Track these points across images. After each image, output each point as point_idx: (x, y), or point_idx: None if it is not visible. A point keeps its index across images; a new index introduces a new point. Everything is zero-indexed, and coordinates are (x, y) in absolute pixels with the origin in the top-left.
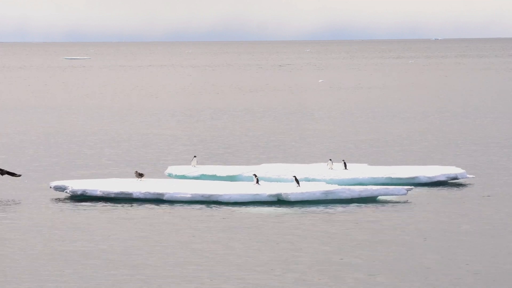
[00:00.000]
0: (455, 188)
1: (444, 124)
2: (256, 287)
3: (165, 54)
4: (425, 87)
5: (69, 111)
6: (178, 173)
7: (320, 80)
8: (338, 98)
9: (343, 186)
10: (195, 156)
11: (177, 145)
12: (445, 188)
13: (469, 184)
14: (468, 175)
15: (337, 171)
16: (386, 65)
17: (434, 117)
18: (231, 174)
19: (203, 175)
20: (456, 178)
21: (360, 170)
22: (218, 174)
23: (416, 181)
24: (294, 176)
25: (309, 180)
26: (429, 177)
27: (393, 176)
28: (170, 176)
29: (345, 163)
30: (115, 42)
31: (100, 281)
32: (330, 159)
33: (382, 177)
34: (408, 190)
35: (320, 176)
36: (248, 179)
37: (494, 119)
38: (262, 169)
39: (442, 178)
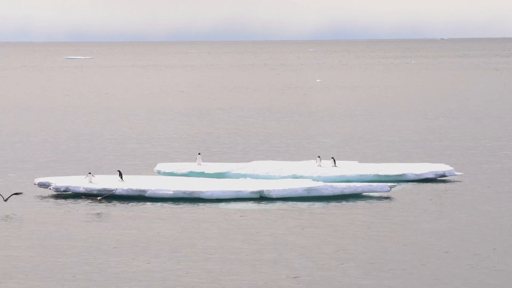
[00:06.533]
0: (441, 185)
1: (440, 122)
2: (237, 281)
3: (167, 54)
4: (423, 87)
5: (67, 110)
6: (167, 170)
7: (318, 80)
8: (334, 98)
9: (326, 183)
10: (199, 154)
11: (169, 143)
12: (431, 185)
13: (456, 181)
14: (456, 173)
15: (325, 168)
16: (387, 65)
17: (429, 116)
18: (219, 171)
19: (191, 172)
20: (444, 176)
21: (348, 167)
22: (206, 171)
23: (403, 178)
24: (119, 171)
25: (296, 177)
26: (416, 174)
27: (380, 173)
28: (159, 173)
29: (334, 160)
30: (118, 42)
31: (80, 275)
32: (319, 156)
33: (370, 174)
34: (391, 187)
35: (308, 173)
36: (236, 176)
37: (489, 118)
38: (251, 166)
39: (430, 175)
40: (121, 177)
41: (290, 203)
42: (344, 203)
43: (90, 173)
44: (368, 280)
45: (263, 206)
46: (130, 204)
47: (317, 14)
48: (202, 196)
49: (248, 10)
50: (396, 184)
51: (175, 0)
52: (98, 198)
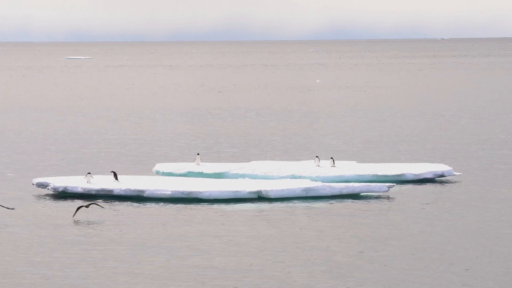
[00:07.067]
0: (439, 185)
1: (439, 122)
2: (235, 281)
3: (167, 54)
4: (423, 87)
5: (67, 110)
6: (165, 170)
7: (318, 80)
8: (333, 98)
9: (324, 183)
10: (198, 154)
11: (168, 143)
12: (429, 185)
13: (455, 181)
14: (455, 173)
15: (324, 168)
16: (387, 65)
17: (428, 116)
18: (217, 171)
19: (190, 172)
20: (442, 176)
21: (347, 167)
22: (205, 172)
23: (402, 178)
24: (113, 171)
25: (295, 177)
26: (415, 175)
27: (379, 173)
28: (157, 173)
29: (333, 160)
30: (118, 42)
31: (78, 275)
32: (317, 156)
33: (368, 175)
34: (390, 187)
35: (307, 173)
36: (234, 176)
37: (489, 118)
38: (250, 166)
39: (429, 176)
40: (116, 178)
41: (288, 203)
42: (342, 203)
43: (89, 173)
44: (366, 280)
45: (262, 206)
46: (129, 204)
47: (317, 14)
48: (200, 196)
49: (248, 10)
50: (394, 184)
51: (175, 0)
52: (84, 205)
